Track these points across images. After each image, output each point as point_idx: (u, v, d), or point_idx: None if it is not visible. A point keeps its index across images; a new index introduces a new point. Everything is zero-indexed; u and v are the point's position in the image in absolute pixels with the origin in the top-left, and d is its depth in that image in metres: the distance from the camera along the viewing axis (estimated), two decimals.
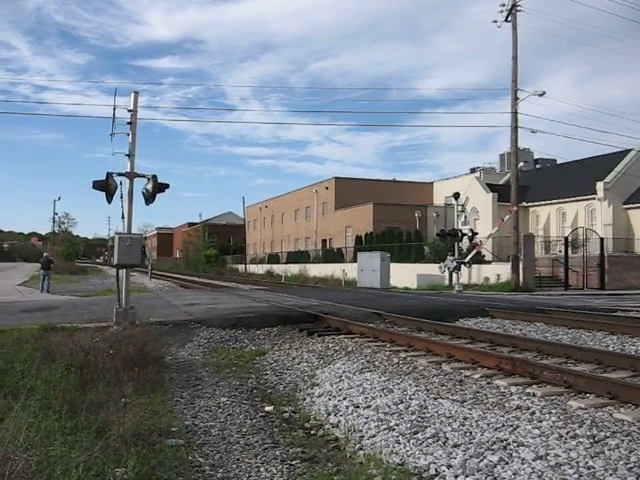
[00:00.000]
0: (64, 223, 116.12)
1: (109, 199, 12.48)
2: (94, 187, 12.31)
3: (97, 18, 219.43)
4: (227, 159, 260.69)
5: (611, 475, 4.39)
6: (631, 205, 43.98)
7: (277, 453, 5.51)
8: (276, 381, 8.80)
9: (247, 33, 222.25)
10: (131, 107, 12.99)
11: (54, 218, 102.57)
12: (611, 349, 10.88)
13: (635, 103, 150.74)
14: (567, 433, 5.42)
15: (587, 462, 4.65)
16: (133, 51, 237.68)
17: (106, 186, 12.31)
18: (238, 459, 5.34)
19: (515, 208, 31.90)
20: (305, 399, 7.57)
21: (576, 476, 4.39)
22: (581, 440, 5.21)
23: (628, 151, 44.91)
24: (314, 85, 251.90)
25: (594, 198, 44.58)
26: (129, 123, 12.88)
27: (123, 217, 12.71)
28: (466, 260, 32.85)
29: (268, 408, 7.14)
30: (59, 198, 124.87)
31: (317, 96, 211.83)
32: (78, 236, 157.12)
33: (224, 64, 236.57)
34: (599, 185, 43.97)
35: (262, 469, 5.09)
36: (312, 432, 6.23)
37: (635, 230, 43.60)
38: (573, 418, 5.97)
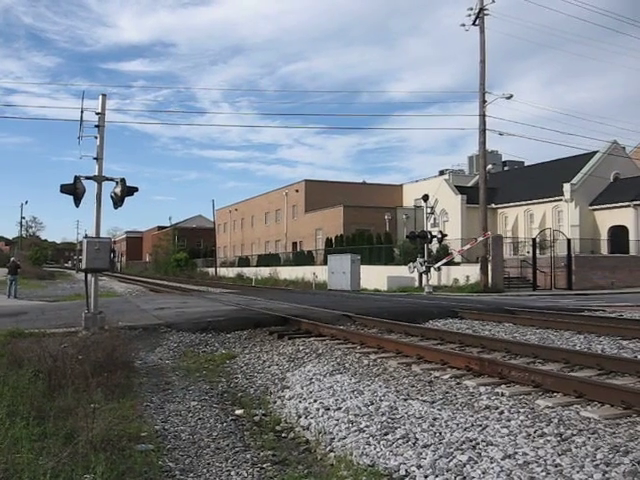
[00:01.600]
0: (32, 227, 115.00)
1: (77, 203, 12.36)
2: (62, 191, 12.18)
3: (66, 21, 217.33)
4: (197, 162, 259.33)
5: (578, 472, 4.45)
6: (597, 206, 44.69)
7: (248, 456, 5.50)
8: (247, 384, 8.78)
9: (218, 36, 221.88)
10: (99, 110, 12.87)
11: (21, 222, 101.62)
12: (578, 348, 11.02)
13: (601, 106, 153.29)
14: (535, 432, 5.48)
15: (554, 460, 4.71)
16: (103, 54, 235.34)
17: (74, 190, 12.19)
18: (209, 463, 5.33)
19: (489, 233, 32.11)
20: (276, 402, 7.57)
21: (544, 474, 4.45)
22: (549, 438, 5.27)
23: (594, 153, 45.62)
24: (285, 88, 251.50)
25: (561, 199, 45.25)
26: (97, 126, 12.77)
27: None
28: (436, 266, 33.13)
29: (239, 411, 7.13)
30: (26, 202, 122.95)
31: (288, 99, 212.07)
32: (46, 240, 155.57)
33: (195, 67, 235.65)
34: (566, 187, 44.62)
35: (233, 473, 5.08)
36: (283, 435, 6.23)
37: (601, 231, 44.31)
38: (541, 417, 6.04)
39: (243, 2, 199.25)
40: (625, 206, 42.56)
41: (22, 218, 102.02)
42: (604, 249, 42.99)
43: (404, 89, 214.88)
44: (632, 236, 41.84)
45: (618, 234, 42.91)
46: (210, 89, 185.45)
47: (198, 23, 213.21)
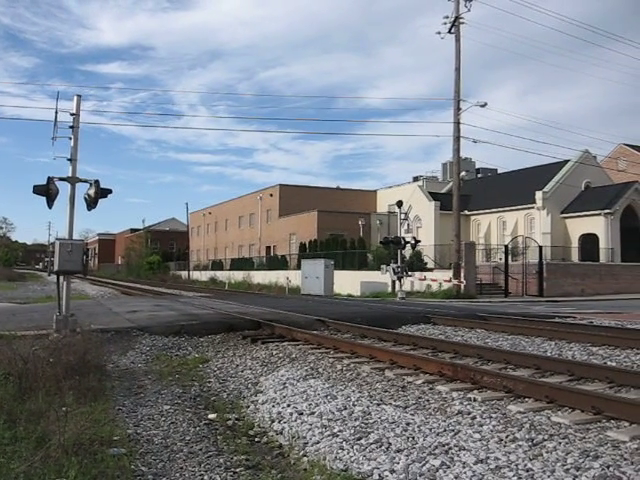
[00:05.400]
0: (2, 228, 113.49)
1: (50, 204, 12.23)
2: (34, 192, 12.05)
3: (46, 22, 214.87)
4: (173, 165, 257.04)
5: (549, 477, 4.50)
6: (568, 214, 45.21)
7: (221, 461, 5.48)
8: (220, 388, 8.75)
9: (197, 41, 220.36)
10: (74, 111, 12.76)
11: None
12: (549, 354, 11.15)
13: (575, 116, 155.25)
14: (507, 437, 5.54)
15: (526, 464, 4.76)
16: (81, 56, 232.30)
17: (47, 191, 12.06)
18: (182, 467, 5.29)
19: (464, 282, 32.18)
20: (249, 406, 7.55)
21: (515, 478, 4.49)
22: (520, 443, 5.33)
23: (566, 162, 46.13)
24: (262, 93, 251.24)
25: (533, 207, 45.68)
26: (71, 127, 12.65)
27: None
28: (410, 279, 33.45)
29: (212, 416, 7.10)
30: None
31: (265, 104, 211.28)
32: (17, 241, 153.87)
33: (173, 71, 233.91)
34: (538, 195, 45.07)
35: (206, 477, 5.05)
36: (256, 439, 6.21)
37: (572, 238, 44.81)
38: (513, 422, 6.10)
39: (223, 8, 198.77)
40: (596, 214, 43.10)
41: None
42: (575, 256, 43.49)
43: (381, 96, 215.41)
44: (602, 244, 42.37)
45: (589, 242, 43.44)
46: (188, 92, 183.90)
47: (177, 27, 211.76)
